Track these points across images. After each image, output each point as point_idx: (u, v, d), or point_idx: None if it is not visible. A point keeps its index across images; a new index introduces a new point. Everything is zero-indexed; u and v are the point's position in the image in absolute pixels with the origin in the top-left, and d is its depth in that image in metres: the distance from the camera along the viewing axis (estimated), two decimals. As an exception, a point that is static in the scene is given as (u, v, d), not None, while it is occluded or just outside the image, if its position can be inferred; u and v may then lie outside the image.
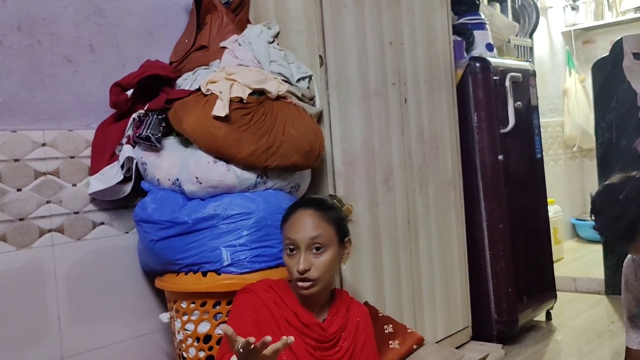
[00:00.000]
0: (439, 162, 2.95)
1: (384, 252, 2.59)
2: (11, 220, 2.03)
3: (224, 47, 2.37)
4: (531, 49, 5.10)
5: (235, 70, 2.15)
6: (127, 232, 2.32)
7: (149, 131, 2.12)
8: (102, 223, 2.26)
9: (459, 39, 3.26)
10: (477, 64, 3.18)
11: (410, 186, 2.76)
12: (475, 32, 3.38)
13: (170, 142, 2.18)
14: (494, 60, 3.27)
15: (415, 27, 2.84)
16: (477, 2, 3.48)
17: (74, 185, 2.19)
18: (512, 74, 3.26)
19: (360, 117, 2.50)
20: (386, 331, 2.24)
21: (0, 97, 2.04)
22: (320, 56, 2.35)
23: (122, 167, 2.18)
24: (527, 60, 4.24)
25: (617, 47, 3.94)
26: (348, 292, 2.04)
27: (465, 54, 3.28)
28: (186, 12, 2.56)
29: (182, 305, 2.08)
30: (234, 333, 1.39)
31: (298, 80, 2.28)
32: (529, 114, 3.46)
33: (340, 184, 2.38)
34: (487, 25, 3.47)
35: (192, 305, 2.06)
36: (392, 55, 2.69)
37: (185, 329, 2.08)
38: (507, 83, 3.22)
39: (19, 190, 2.05)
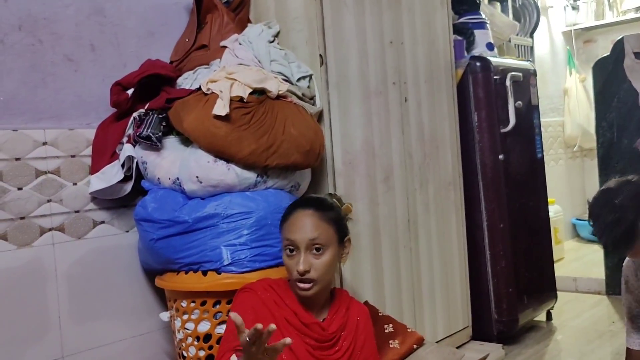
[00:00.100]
0: (439, 161, 2.95)
1: (384, 251, 2.59)
2: (12, 219, 2.03)
3: (225, 47, 2.38)
4: (532, 48, 5.10)
5: (235, 70, 2.15)
6: (127, 231, 2.32)
7: (149, 130, 2.12)
8: (103, 222, 2.26)
9: (459, 38, 3.26)
10: (478, 64, 3.18)
11: (411, 186, 2.76)
12: (476, 32, 3.38)
13: (171, 142, 2.18)
14: (495, 59, 3.27)
15: (415, 26, 2.84)
16: (478, 2, 3.48)
17: (75, 184, 2.19)
18: (513, 73, 3.25)
19: (361, 116, 2.50)
20: (386, 331, 2.24)
21: (2, 96, 2.04)
22: (320, 55, 2.35)
23: (122, 166, 2.18)
24: (527, 60, 4.24)
25: (618, 46, 3.94)
26: (348, 291, 2.04)
27: (465, 54, 3.28)
28: (187, 12, 2.56)
29: (182, 304, 2.09)
30: (242, 323, 1.40)
31: (298, 80, 2.29)
32: (529, 114, 3.46)
33: (341, 183, 2.39)
34: (487, 25, 3.47)
35: (192, 304, 2.06)
36: (392, 55, 2.69)
37: (186, 328, 2.08)
38: (508, 82, 3.22)
39: (19, 189, 2.05)
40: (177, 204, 2.08)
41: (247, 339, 1.38)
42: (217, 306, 2.05)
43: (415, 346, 2.25)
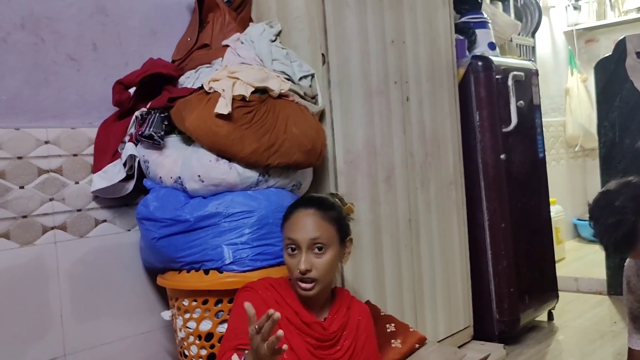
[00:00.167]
0: (440, 161, 2.95)
1: (385, 251, 2.59)
2: (14, 217, 2.03)
3: (227, 46, 2.38)
4: (533, 48, 5.10)
5: (237, 69, 2.15)
6: (129, 230, 2.32)
7: (151, 129, 2.12)
8: (105, 220, 2.26)
9: (461, 37, 3.26)
10: (480, 63, 3.18)
11: (412, 185, 2.76)
12: (478, 31, 3.39)
13: (173, 140, 2.18)
14: (497, 59, 3.27)
15: (417, 25, 2.84)
16: (480, 1, 3.49)
17: (77, 182, 2.19)
18: (515, 72, 3.26)
19: (362, 115, 2.51)
20: (388, 330, 2.24)
21: (4, 95, 2.04)
22: (322, 54, 2.35)
23: (124, 165, 2.19)
24: (529, 60, 4.24)
25: (620, 46, 3.94)
26: (349, 291, 2.04)
27: (467, 53, 3.28)
28: (188, 11, 2.56)
29: (183, 303, 2.09)
30: (255, 314, 1.43)
31: (300, 79, 2.29)
32: (531, 113, 3.46)
33: (342, 182, 2.39)
34: (489, 24, 3.47)
35: (194, 303, 2.06)
36: (394, 54, 2.69)
37: (187, 327, 2.08)
38: (510, 82, 3.22)
39: (22, 187, 2.06)
40: (178, 203, 2.09)
41: (256, 327, 1.39)
42: (219, 305, 2.05)
43: (417, 346, 2.25)
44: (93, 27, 2.27)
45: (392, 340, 2.22)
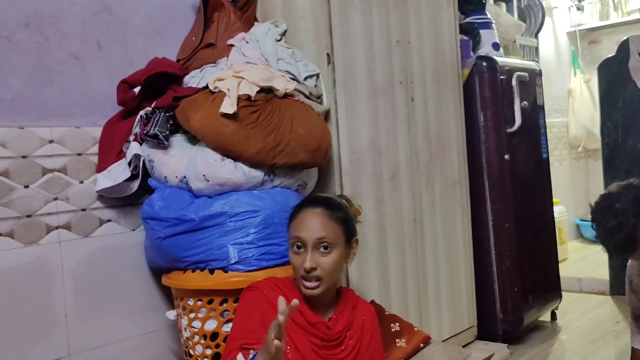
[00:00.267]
0: (445, 160, 2.94)
1: (390, 250, 2.59)
2: (19, 216, 2.03)
3: (232, 45, 2.37)
4: (537, 48, 5.09)
5: (242, 68, 2.15)
6: (134, 230, 2.32)
7: (156, 129, 2.12)
8: (109, 220, 2.26)
9: (465, 38, 3.26)
10: (484, 63, 3.18)
11: (417, 185, 2.76)
12: (482, 32, 3.38)
13: (178, 140, 2.18)
14: (501, 59, 3.27)
15: (422, 26, 2.84)
16: (484, 2, 3.48)
17: (81, 182, 2.19)
18: (519, 73, 3.25)
19: (367, 115, 2.50)
20: (393, 329, 2.23)
21: (8, 94, 2.04)
22: (327, 54, 2.35)
23: (129, 164, 2.18)
24: (533, 60, 4.23)
25: (624, 47, 3.94)
26: (354, 290, 2.04)
27: (471, 53, 3.28)
28: (193, 10, 2.56)
29: (189, 302, 2.08)
30: (285, 310, 1.46)
31: (305, 78, 2.29)
32: (535, 114, 3.46)
33: (347, 182, 2.39)
34: (493, 25, 3.46)
35: (199, 303, 2.06)
36: (399, 54, 2.68)
37: (192, 327, 2.08)
38: (514, 82, 3.21)
39: (26, 187, 2.05)
40: (184, 203, 2.08)
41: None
42: (224, 304, 2.04)
43: (421, 345, 2.24)
44: (97, 25, 2.27)
45: (397, 340, 2.22)
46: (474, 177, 3.15)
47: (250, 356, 1.59)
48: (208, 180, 2.05)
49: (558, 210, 4.57)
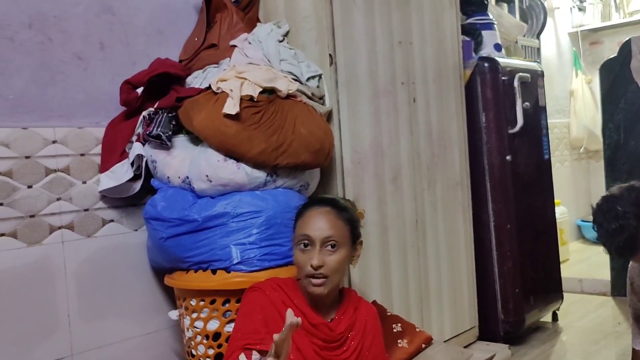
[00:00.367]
0: (447, 161, 2.94)
1: (391, 251, 2.59)
2: (22, 217, 2.03)
3: (234, 46, 2.38)
4: (538, 49, 5.09)
5: (245, 69, 2.15)
6: (136, 230, 2.32)
7: (159, 129, 2.12)
8: (112, 220, 2.26)
9: (467, 39, 3.25)
10: (486, 64, 3.18)
11: (419, 185, 2.76)
12: (484, 32, 3.38)
13: (181, 140, 2.18)
14: (503, 60, 3.27)
15: (424, 26, 2.84)
16: (486, 2, 3.48)
17: (84, 182, 2.19)
18: (521, 74, 3.25)
19: (370, 116, 2.51)
20: (395, 330, 2.24)
21: (11, 94, 2.04)
22: (330, 55, 2.35)
23: (132, 164, 2.18)
24: (535, 61, 4.23)
25: (626, 48, 3.94)
26: (356, 291, 2.04)
27: (473, 54, 3.28)
28: (196, 11, 2.56)
29: (191, 302, 2.09)
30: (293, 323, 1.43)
31: (308, 79, 2.29)
32: (536, 115, 3.46)
33: (349, 182, 2.39)
34: (495, 26, 3.46)
35: (202, 303, 2.06)
36: (401, 55, 2.69)
37: (195, 327, 2.08)
38: (516, 83, 3.22)
39: (29, 187, 2.05)
40: (186, 203, 2.08)
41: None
42: (226, 305, 2.05)
43: (423, 345, 2.25)
44: (100, 26, 2.27)
45: (399, 340, 2.22)
46: (475, 177, 3.15)
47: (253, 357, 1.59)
48: (211, 181, 2.05)
49: (559, 211, 4.57)
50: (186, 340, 2.15)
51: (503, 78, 3.18)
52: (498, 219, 3.15)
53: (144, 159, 2.19)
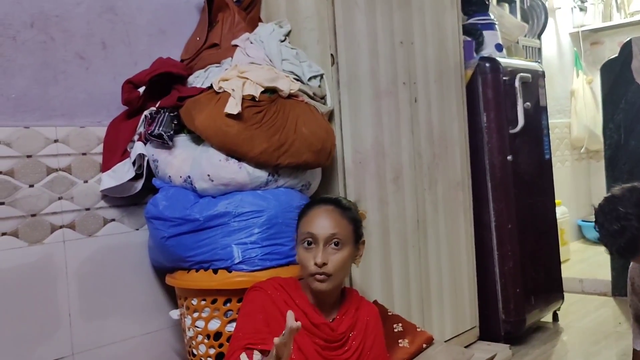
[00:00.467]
0: (448, 161, 2.95)
1: (392, 251, 2.59)
2: (23, 216, 2.03)
3: (236, 45, 2.38)
4: (539, 49, 5.10)
5: (247, 69, 2.15)
6: (137, 229, 2.32)
7: (161, 129, 2.12)
8: (113, 220, 2.26)
9: (468, 39, 3.26)
10: (487, 64, 3.18)
11: (420, 185, 2.76)
12: (485, 33, 3.38)
13: (182, 140, 2.18)
14: (504, 60, 3.27)
15: (425, 26, 2.84)
16: (487, 3, 3.48)
17: (86, 181, 2.19)
18: (522, 74, 3.25)
19: (371, 116, 2.51)
20: (395, 330, 2.24)
21: (13, 93, 2.04)
22: (331, 55, 2.35)
23: (133, 164, 2.19)
24: (536, 61, 4.23)
25: (626, 48, 3.94)
26: (357, 291, 2.04)
27: (474, 54, 3.28)
28: (198, 10, 2.56)
29: (192, 302, 2.09)
30: (293, 326, 1.43)
31: (309, 79, 2.29)
32: (537, 115, 3.46)
33: (351, 182, 2.39)
34: (496, 26, 3.47)
35: (203, 303, 2.06)
36: (402, 55, 2.69)
37: (196, 326, 2.08)
38: (517, 83, 3.22)
39: (31, 186, 2.05)
40: (188, 202, 2.08)
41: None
42: (228, 304, 2.05)
43: (424, 345, 2.24)
44: (102, 25, 2.27)
45: (400, 340, 2.22)
46: (476, 178, 3.15)
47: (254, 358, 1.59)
48: (212, 180, 2.06)
49: (560, 211, 4.57)
50: (187, 340, 2.15)
51: (504, 78, 3.18)
52: (499, 219, 3.15)
53: (146, 159, 2.19)
